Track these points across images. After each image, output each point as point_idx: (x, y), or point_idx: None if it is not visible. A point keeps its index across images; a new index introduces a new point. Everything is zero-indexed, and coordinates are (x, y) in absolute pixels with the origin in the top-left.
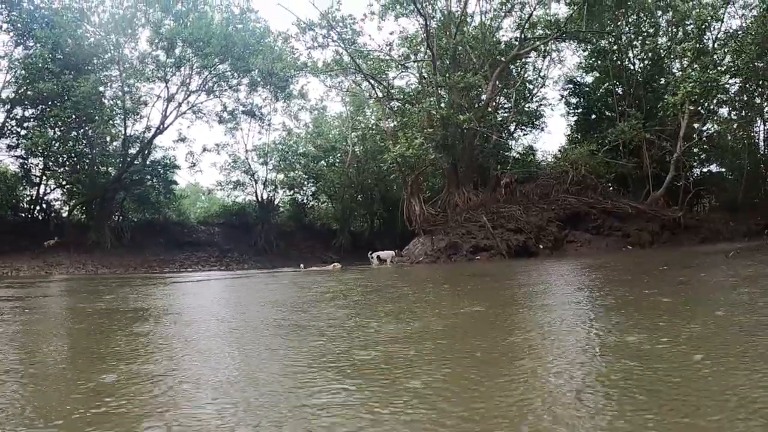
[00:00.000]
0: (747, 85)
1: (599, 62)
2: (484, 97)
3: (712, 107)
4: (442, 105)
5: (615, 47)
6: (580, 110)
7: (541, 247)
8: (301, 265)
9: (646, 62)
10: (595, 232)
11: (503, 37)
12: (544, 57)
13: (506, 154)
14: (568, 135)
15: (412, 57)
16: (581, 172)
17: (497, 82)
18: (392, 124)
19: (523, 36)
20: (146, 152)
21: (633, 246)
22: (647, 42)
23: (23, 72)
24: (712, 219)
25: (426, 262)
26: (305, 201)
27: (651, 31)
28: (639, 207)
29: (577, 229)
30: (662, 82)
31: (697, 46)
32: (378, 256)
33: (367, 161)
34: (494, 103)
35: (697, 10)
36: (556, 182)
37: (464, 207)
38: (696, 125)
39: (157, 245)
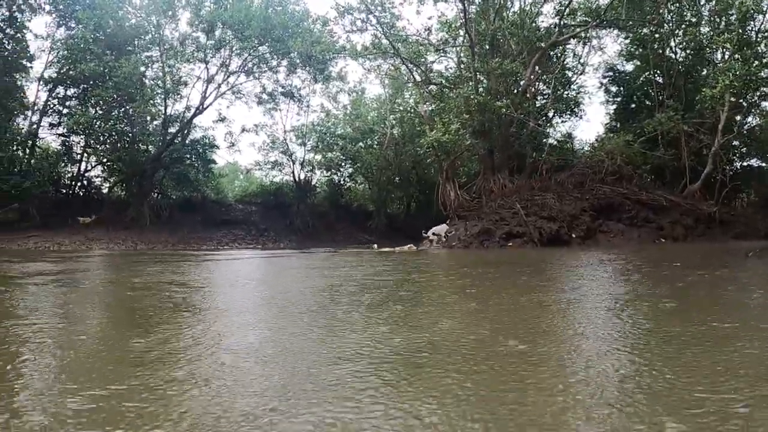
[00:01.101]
0: None
1: (640, 50)
2: (522, 83)
3: (754, 100)
4: (480, 91)
5: (656, 36)
6: (619, 99)
7: (573, 236)
8: (375, 245)
9: (687, 52)
10: (628, 223)
11: (542, 23)
12: (584, 44)
13: (544, 141)
14: (606, 124)
15: (451, 42)
16: (617, 162)
17: (536, 69)
18: (430, 108)
19: (562, 23)
20: (186, 132)
21: (666, 239)
22: (689, 31)
23: (66, 52)
24: (748, 214)
25: (459, 247)
26: (342, 182)
27: (693, 20)
28: (674, 199)
29: (611, 219)
30: (703, 73)
31: (738, 37)
32: (433, 232)
33: (405, 144)
34: (533, 90)
35: (740, 0)
36: (591, 171)
37: (499, 193)
38: (738, 117)
39: (194, 223)
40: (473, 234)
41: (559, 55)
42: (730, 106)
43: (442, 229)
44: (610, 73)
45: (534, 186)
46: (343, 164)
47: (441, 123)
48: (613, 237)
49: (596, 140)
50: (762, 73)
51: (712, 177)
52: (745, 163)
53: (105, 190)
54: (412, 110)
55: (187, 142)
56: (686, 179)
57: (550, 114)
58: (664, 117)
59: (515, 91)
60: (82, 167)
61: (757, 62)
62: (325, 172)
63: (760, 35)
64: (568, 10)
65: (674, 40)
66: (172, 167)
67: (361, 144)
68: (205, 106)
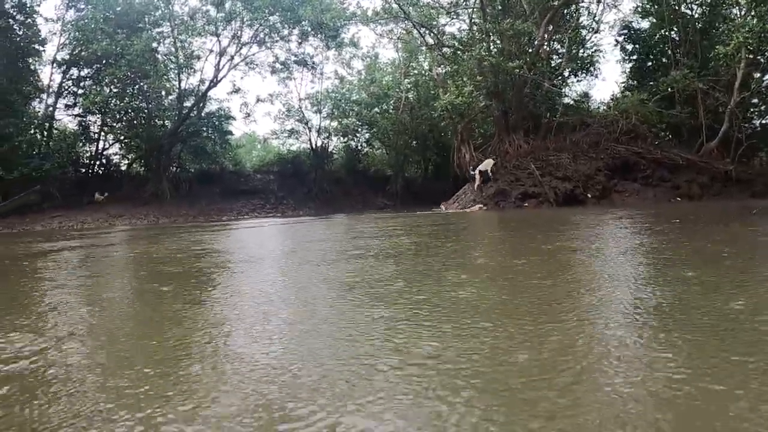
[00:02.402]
0: None
1: (656, 7)
2: (535, 43)
3: None
4: (493, 52)
5: None
6: (635, 57)
7: (588, 195)
8: (442, 206)
9: (704, 8)
10: (643, 182)
11: None
12: (599, 1)
13: (558, 101)
14: (623, 82)
15: (462, 4)
16: (632, 122)
17: (550, 27)
18: (444, 71)
19: None
20: (201, 105)
21: (681, 198)
22: None
23: (77, 34)
24: (766, 173)
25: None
26: (359, 147)
27: None
28: (689, 158)
29: (626, 179)
30: (720, 30)
31: None
32: (479, 170)
33: (421, 107)
34: (546, 50)
35: None
36: (606, 131)
37: (514, 154)
38: (757, 75)
39: (214, 194)
40: (489, 195)
41: (573, 13)
42: (747, 63)
43: (488, 164)
44: (626, 31)
45: (549, 146)
46: (359, 130)
47: (454, 86)
48: (628, 196)
49: (611, 99)
50: None
51: (729, 135)
52: (764, 121)
53: (124, 167)
54: (426, 74)
55: (203, 115)
56: (703, 137)
57: (566, 74)
58: (679, 75)
59: (528, 51)
60: (100, 146)
61: None
62: (341, 138)
63: None
64: None
65: None
66: (189, 141)
67: (376, 109)
68: (219, 78)
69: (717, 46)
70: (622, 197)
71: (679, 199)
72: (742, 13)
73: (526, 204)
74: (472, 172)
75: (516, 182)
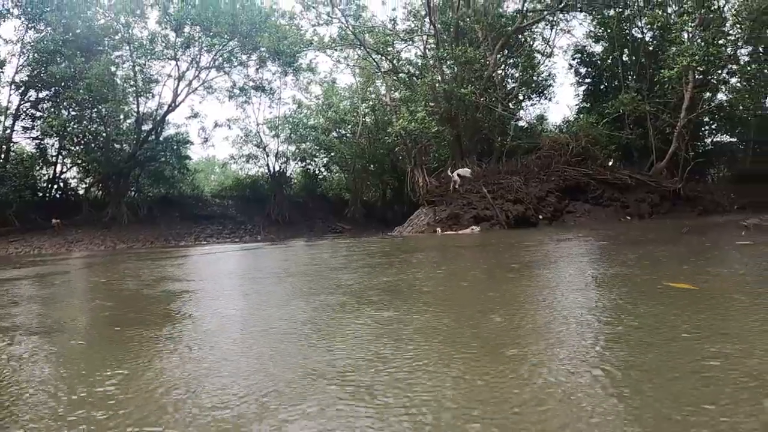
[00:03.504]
0: (757, 55)
1: (608, 32)
2: (488, 69)
3: (722, 77)
4: (446, 78)
5: (623, 16)
6: (588, 80)
7: (540, 217)
8: (438, 230)
9: (654, 32)
10: (594, 202)
11: (508, 9)
12: (552, 27)
13: (515, 124)
14: (576, 105)
15: (417, 30)
16: (582, 144)
17: (505, 52)
18: (398, 96)
19: (525, 8)
20: (159, 129)
21: (632, 216)
22: (650, 14)
23: (36, 55)
24: (714, 190)
25: (428, 232)
26: (317, 172)
27: (659, 0)
28: (638, 178)
29: (577, 199)
30: (671, 53)
31: (698, 16)
32: (457, 174)
33: (378, 132)
34: (501, 74)
35: None
36: (557, 153)
37: (468, 178)
38: (707, 95)
39: (172, 219)
40: (442, 218)
41: (527, 39)
42: (695, 84)
43: (467, 171)
44: (579, 55)
45: (501, 170)
46: (317, 154)
47: (408, 111)
48: (580, 217)
49: (562, 122)
50: (722, 53)
51: (678, 155)
52: (716, 139)
53: (82, 192)
54: (383, 98)
55: (161, 139)
56: (653, 158)
57: (520, 97)
58: (628, 98)
59: (481, 77)
60: (58, 169)
61: (723, 40)
62: (300, 162)
63: (723, 15)
64: None
65: (641, 21)
66: (147, 165)
67: (334, 134)
68: (177, 102)
69: (662, 70)
70: (573, 218)
71: (629, 218)
72: (690, 36)
73: (479, 227)
74: (450, 174)
75: (468, 206)
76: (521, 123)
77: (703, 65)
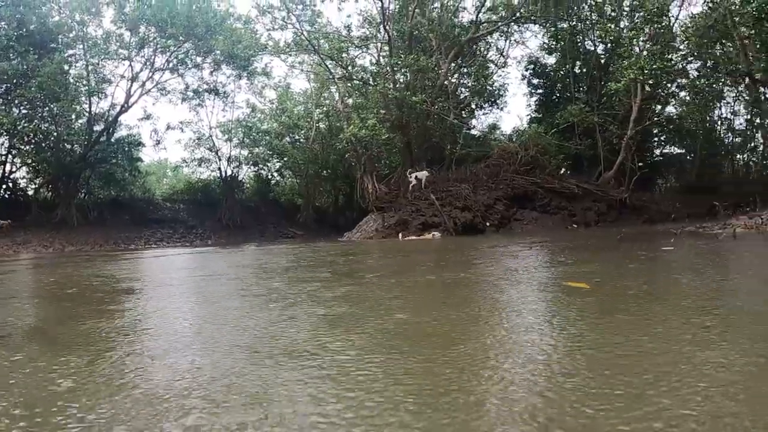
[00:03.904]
0: (706, 70)
1: (562, 44)
2: (440, 78)
3: (671, 90)
4: (398, 86)
5: (578, 28)
6: (540, 91)
7: (487, 224)
8: (400, 235)
9: (607, 45)
10: (542, 210)
11: (463, 19)
12: (506, 38)
13: (466, 132)
14: (528, 115)
15: (372, 38)
16: (530, 153)
17: (459, 61)
18: (351, 102)
19: (478, 19)
20: (111, 130)
21: (578, 225)
22: (603, 26)
23: None
24: (660, 200)
25: (376, 238)
26: (270, 177)
27: (613, 14)
28: (586, 187)
29: (525, 207)
30: (619, 66)
31: (648, 32)
32: (416, 176)
33: (332, 137)
34: (453, 84)
35: None
36: (506, 162)
37: (417, 186)
38: (658, 107)
39: (122, 222)
40: (390, 225)
41: (481, 49)
42: (644, 97)
43: (423, 174)
44: (532, 66)
45: (450, 177)
46: (270, 159)
47: (359, 118)
48: (527, 224)
49: (513, 132)
50: (669, 66)
51: (625, 165)
52: (665, 151)
53: (31, 192)
54: (337, 104)
55: (112, 140)
56: (601, 167)
57: (473, 106)
58: (576, 109)
59: (433, 85)
60: (7, 169)
61: (673, 55)
62: (252, 167)
63: (671, 30)
64: (487, 6)
65: (594, 34)
66: (98, 166)
67: (287, 139)
68: (130, 104)
69: (609, 83)
70: (521, 225)
71: (575, 226)
72: (640, 51)
73: (413, 235)
74: (409, 178)
75: (416, 212)
76: (473, 131)
77: (650, 79)
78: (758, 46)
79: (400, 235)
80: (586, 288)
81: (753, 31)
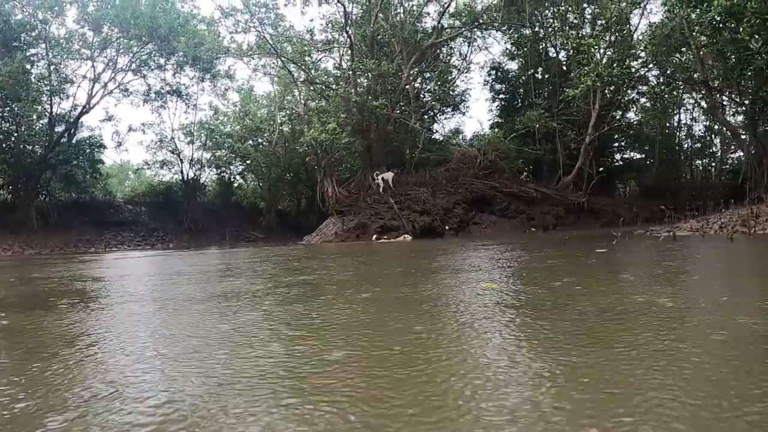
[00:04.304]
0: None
1: (524, 50)
2: (402, 82)
3: (632, 97)
4: (359, 90)
5: (541, 35)
6: (503, 96)
7: (446, 228)
8: (374, 236)
9: (569, 52)
10: (500, 214)
11: (426, 24)
12: (470, 44)
13: (426, 136)
14: (490, 120)
15: (335, 42)
16: (489, 157)
17: (422, 66)
18: (314, 106)
19: (440, 25)
20: (72, 131)
21: (537, 228)
22: (565, 33)
23: None
24: (618, 204)
25: (336, 241)
26: (232, 180)
27: (575, 22)
28: (544, 191)
29: (484, 211)
30: (577, 73)
31: (608, 39)
32: (382, 178)
33: (295, 141)
34: (415, 88)
35: (615, 6)
36: (465, 166)
37: (376, 189)
38: (619, 113)
39: (83, 225)
40: (350, 228)
41: (445, 54)
42: (603, 103)
43: (389, 175)
44: (494, 72)
45: (409, 181)
46: (232, 162)
47: (319, 122)
48: (485, 228)
49: (473, 136)
50: (637, 73)
51: (584, 170)
52: (626, 156)
53: None
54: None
55: (73, 141)
56: (560, 172)
57: (434, 111)
58: (535, 114)
59: (394, 89)
60: None
61: (634, 62)
62: (214, 170)
63: (630, 38)
64: (450, 11)
65: (557, 41)
66: (59, 168)
67: (250, 142)
68: (91, 104)
69: (567, 89)
70: (479, 229)
71: (533, 229)
72: (599, 58)
73: (385, 237)
74: (376, 180)
75: (375, 216)
76: (436, 136)
77: (609, 85)
78: (714, 54)
79: (374, 237)
80: (493, 287)
81: (711, 40)
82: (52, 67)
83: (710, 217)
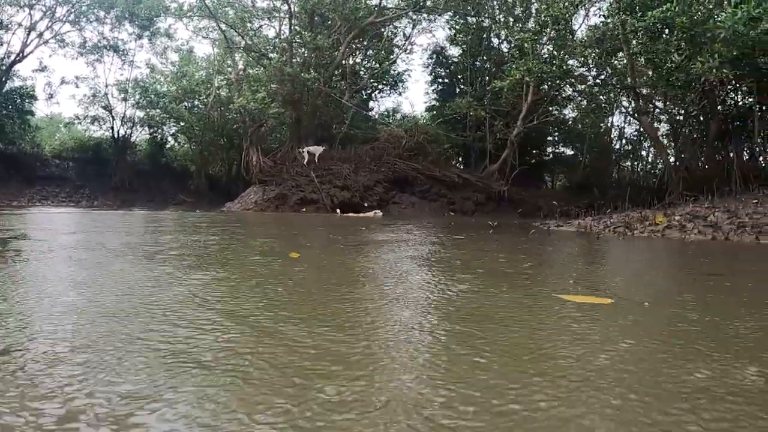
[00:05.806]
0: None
1: (468, 37)
2: (336, 58)
3: (568, 94)
4: (294, 62)
5: (485, 25)
6: (441, 81)
7: (365, 205)
8: (338, 211)
9: (511, 44)
10: (421, 196)
11: (371, 2)
12: (414, 25)
13: (355, 113)
14: (426, 103)
15: (277, 11)
16: (416, 139)
17: (364, 43)
18: (252, 72)
19: (382, 3)
20: (3, 80)
21: (456, 212)
22: (515, 26)
23: None
24: (543, 196)
25: (255, 210)
26: (164, 141)
27: (521, 15)
28: (466, 177)
29: (405, 192)
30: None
31: (546, 35)
32: (308, 151)
33: (230, 106)
34: (351, 65)
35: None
36: (390, 146)
37: (301, 161)
38: (554, 109)
39: (7, 177)
40: (270, 198)
41: (388, 33)
42: (537, 97)
43: (317, 149)
44: (436, 56)
45: (333, 156)
46: (165, 122)
47: (249, 90)
48: (405, 208)
49: (401, 118)
50: (574, 71)
51: (509, 160)
52: (558, 150)
53: None
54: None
55: (3, 90)
56: (487, 160)
57: (370, 90)
58: (464, 102)
59: (329, 64)
60: None
61: (571, 61)
62: (147, 129)
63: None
64: None
65: (503, 32)
66: None
67: (185, 103)
68: (25, 53)
69: (494, 81)
70: (399, 208)
71: (453, 213)
72: (538, 52)
73: (304, 209)
74: (301, 152)
75: (296, 188)
76: (371, 114)
77: (540, 81)
78: (643, 61)
79: (338, 210)
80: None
81: (645, 48)
82: None
83: (608, 217)
